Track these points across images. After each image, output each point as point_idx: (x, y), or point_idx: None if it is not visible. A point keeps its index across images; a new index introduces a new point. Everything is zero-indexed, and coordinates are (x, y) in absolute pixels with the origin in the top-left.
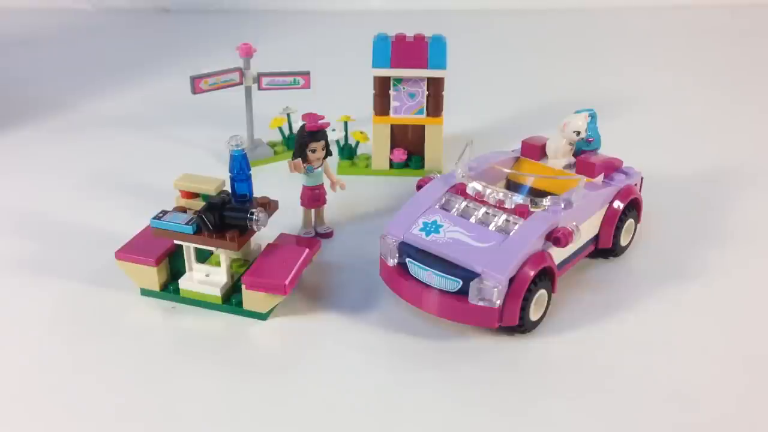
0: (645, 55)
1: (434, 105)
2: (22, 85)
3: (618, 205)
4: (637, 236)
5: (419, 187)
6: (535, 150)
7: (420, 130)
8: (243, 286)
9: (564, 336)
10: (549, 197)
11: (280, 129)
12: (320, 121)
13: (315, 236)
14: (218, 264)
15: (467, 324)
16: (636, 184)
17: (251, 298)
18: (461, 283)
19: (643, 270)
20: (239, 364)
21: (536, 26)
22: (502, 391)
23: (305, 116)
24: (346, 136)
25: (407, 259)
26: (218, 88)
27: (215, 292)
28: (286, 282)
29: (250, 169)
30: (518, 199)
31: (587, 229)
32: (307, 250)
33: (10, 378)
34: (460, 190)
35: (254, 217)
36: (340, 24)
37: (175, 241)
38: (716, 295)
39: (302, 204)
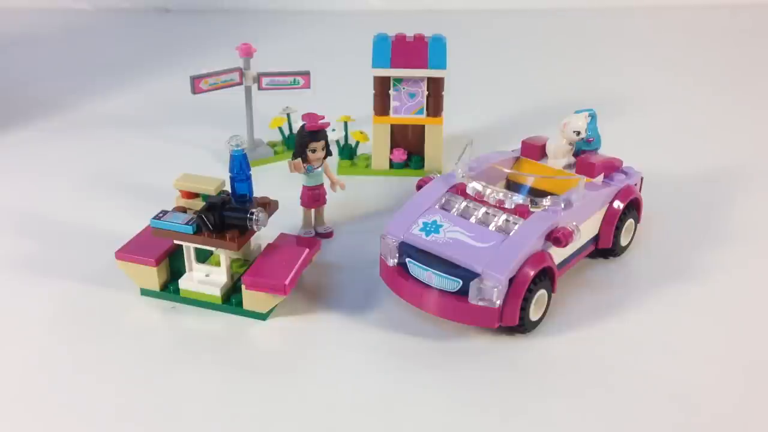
0: (645, 55)
1: (434, 105)
2: (22, 85)
3: (618, 205)
4: (637, 236)
5: (419, 187)
6: (535, 150)
7: (420, 130)
8: (243, 286)
9: (564, 336)
10: (549, 197)
11: (280, 129)
12: (320, 121)
13: (315, 236)
14: (218, 264)
15: (467, 324)
16: (636, 184)
17: (251, 298)
18: (461, 283)
19: (643, 270)
20: (239, 364)
21: (536, 26)
22: (502, 391)
23: (305, 116)
24: (346, 136)
25: (407, 259)
26: (218, 88)
27: (215, 292)
28: (286, 282)
29: (250, 169)
30: (518, 199)
31: (587, 229)
32: (307, 250)
33: (10, 378)
34: (460, 190)
35: (254, 217)
36: (340, 24)
37: (175, 241)
38: (716, 296)
39: (302, 204)
